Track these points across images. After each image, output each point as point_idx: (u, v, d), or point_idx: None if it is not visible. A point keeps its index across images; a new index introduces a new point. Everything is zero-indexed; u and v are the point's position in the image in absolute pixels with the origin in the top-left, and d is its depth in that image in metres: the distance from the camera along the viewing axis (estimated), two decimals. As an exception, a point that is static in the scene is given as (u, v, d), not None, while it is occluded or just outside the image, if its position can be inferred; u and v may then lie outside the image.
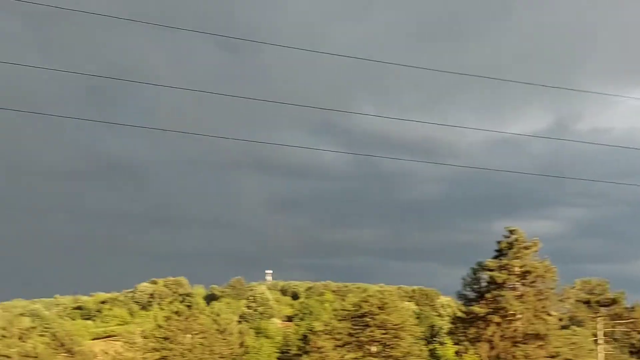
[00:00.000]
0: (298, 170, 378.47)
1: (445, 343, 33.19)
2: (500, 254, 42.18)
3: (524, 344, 39.53)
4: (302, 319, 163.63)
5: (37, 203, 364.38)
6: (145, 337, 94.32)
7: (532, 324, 39.63)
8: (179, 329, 73.13)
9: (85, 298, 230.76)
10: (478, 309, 41.26)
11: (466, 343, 40.47)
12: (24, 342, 62.71)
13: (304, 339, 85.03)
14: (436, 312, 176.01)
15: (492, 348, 39.63)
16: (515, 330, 40.30)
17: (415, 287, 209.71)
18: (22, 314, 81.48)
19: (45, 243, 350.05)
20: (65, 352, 65.74)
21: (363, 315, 70.26)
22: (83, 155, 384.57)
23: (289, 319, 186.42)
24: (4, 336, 64.36)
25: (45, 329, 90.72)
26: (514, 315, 40.19)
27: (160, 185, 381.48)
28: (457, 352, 34.08)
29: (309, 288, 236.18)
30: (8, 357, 61.13)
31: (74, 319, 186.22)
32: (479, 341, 39.68)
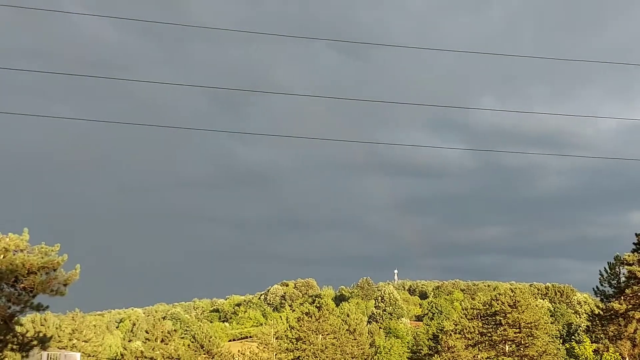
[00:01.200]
0: (421, 170, 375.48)
1: (584, 341, 31.80)
2: (639, 247, 39.97)
3: (670, 341, 37.30)
4: (431, 319, 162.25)
5: (174, 212, 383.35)
6: (278, 338, 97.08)
7: (678, 319, 37.35)
8: (311, 330, 74.61)
9: (221, 301, 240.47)
10: (617, 305, 39.32)
11: (606, 341, 38.69)
12: (166, 344, 66.06)
13: (435, 338, 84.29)
14: (572, 309, 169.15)
15: (634, 346, 37.66)
16: (659, 327, 38.12)
17: (548, 284, 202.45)
18: (164, 317, 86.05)
19: (183, 249, 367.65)
20: (205, 354, 68.75)
21: (494, 314, 68.86)
22: (216, 166, 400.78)
23: (419, 318, 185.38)
24: (148, 339, 68.06)
25: (185, 332, 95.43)
26: (657, 311, 37.98)
27: (289, 191, 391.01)
28: (595, 351, 32.68)
29: (437, 287, 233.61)
30: (152, 358, 64.61)
31: (211, 321, 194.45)
32: (619, 339, 37.82)
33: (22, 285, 32.95)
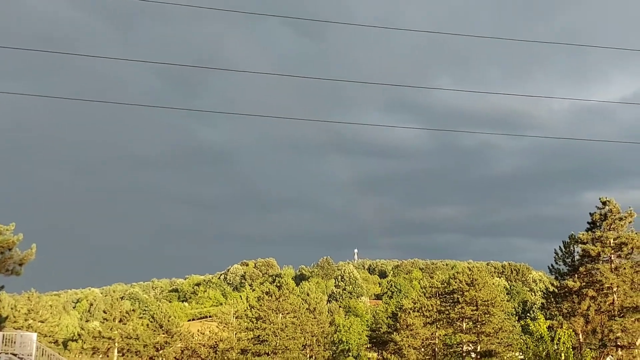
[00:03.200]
0: (379, 150, 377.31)
1: (538, 318, 32.59)
2: (593, 226, 40.88)
3: (621, 317, 38.28)
4: (390, 297, 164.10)
5: (130, 191, 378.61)
6: (238, 318, 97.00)
7: (630, 297, 38.31)
8: (271, 309, 74.73)
9: (180, 281, 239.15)
10: (572, 283, 40.21)
11: (560, 318, 39.56)
12: (124, 324, 65.51)
13: (394, 316, 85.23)
14: (528, 287, 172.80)
15: (587, 322, 38.62)
16: (611, 304, 39.07)
17: (505, 263, 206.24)
18: (122, 298, 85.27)
19: (141, 229, 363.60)
20: (164, 333, 68.32)
21: (452, 292, 69.89)
22: (173, 144, 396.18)
23: (378, 297, 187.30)
24: (105, 319, 67.41)
25: (144, 312, 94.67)
26: (609, 288, 38.92)
27: (247, 170, 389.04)
28: (550, 327, 33.49)
29: (397, 266, 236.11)
30: (111, 338, 64.01)
31: (170, 301, 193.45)
32: (573, 316, 38.72)
33: (-25, 264, 32.25)
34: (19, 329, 56.30)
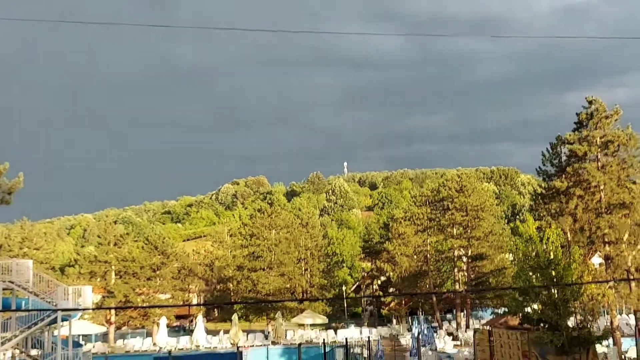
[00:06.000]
0: (361, 62, 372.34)
1: (527, 220, 33.05)
2: (579, 125, 40.77)
3: (609, 214, 38.81)
4: (382, 208, 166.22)
5: (112, 116, 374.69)
6: (232, 236, 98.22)
7: (617, 193, 38.71)
8: (264, 226, 75.47)
9: (172, 202, 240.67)
10: (559, 183, 40.47)
11: (548, 218, 40.06)
12: (119, 247, 66.12)
13: (385, 226, 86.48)
14: (517, 190, 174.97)
15: (575, 221, 39.11)
16: (598, 202, 39.52)
17: (494, 168, 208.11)
18: (115, 222, 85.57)
19: (128, 153, 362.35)
20: (159, 254, 69.11)
21: (442, 200, 70.62)
22: (148, 66, 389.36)
23: (369, 208, 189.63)
24: (100, 244, 67.95)
25: (138, 235, 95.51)
26: (596, 186, 39.27)
27: (228, 89, 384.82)
28: (538, 228, 34.01)
29: (387, 177, 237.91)
30: (107, 262, 64.73)
31: (164, 223, 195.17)
32: (561, 215, 39.17)
33: (-37, 195, 31.98)
34: (15, 257, 56.75)
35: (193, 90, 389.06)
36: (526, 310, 31.89)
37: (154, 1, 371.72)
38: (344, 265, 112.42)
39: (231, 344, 57.24)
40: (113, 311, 60.95)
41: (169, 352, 48.97)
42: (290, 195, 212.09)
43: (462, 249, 68.86)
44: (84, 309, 41.12)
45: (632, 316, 48.59)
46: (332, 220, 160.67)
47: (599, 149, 39.82)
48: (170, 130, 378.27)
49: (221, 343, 60.01)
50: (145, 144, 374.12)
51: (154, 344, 59.82)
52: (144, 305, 62.20)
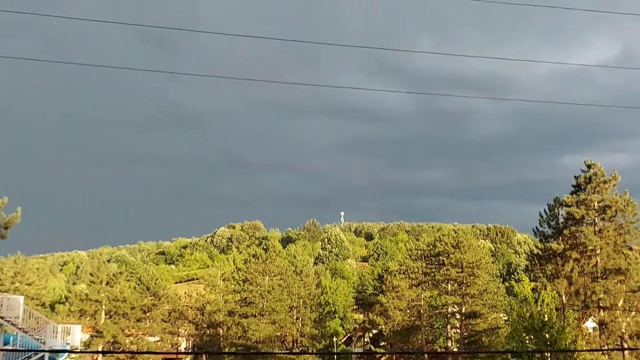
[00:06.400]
0: (361, 113, 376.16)
1: (522, 280, 32.93)
2: (577, 188, 41.13)
3: (604, 279, 38.78)
4: (377, 259, 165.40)
5: (112, 154, 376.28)
6: (225, 280, 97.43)
7: (613, 259, 38.76)
8: (258, 271, 75.02)
9: (167, 243, 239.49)
10: (556, 245, 40.58)
11: (544, 279, 40.02)
12: (112, 287, 65.61)
13: (380, 278, 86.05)
14: (513, 249, 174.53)
15: (570, 284, 39.09)
16: (594, 266, 39.52)
17: (490, 225, 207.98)
18: (109, 260, 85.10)
19: (126, 191, 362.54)
20: (151, 296, 68.54)
21: (438, 254, 70.40)
22: (151, 106, 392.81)
23: (364, 259, 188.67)
24: (92, 282, 67.44)
25: (131, 274, 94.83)
26: (593, 250, 39.35)
27: (228, 132, 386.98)
28: (534, 289, 33.90)
29: (383, 229, 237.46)
30: (98, 301, 64.14)
31: (157, 264, 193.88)
32: (557, 277, 39.17)
33: (-41, 228, 31.94)
34: (6, 292, 56.28)
35: (192, 132, 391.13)
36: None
37: (157, 43, 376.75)
38: (336, 315, 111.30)
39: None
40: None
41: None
42: (286, 241, 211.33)
43: (455, 306, 68.34)
44: (70, 351, 40.62)
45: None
46: (326, 269, 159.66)
47: (597, 213, 40.06)
48: (168, 171, 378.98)
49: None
50: (143, 183, 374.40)
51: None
52: (132, 349, 61.34)
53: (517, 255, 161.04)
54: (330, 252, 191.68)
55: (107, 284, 65.48)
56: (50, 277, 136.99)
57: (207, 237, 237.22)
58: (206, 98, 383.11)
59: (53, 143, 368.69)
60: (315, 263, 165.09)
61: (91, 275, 71.55)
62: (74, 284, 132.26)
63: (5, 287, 67.22)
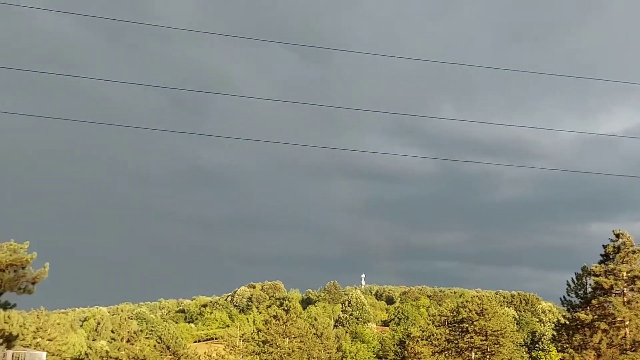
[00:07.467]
0: (382, 174, 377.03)
1: (550, 350, 32.14)
2: (606, 258, 40.66)
3: (633, 351, 37.94)
4: (398, 324, 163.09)
5: (136, 211, 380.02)
6: (245, 341, 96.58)
7: (642, 331, 38.03)
8: (278, 333, 74.39)
9: (187, 301, 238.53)
10: (584, 315, 39.91)
11: (571, 351, 39.24)
12: (132, 344, 65.36)
13: (401, 344, 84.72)
14: (537, 317, 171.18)
15: (598, 356, 38.27)
16: (623, 338, 38.74)
17: (514, 292, 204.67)
18: (129, 317, 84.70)
19: (148, 248, 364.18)
20: (171, 355, 68.13)
21: (461, 321, 69.39)
22: (177, 166, 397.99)
23: (385, 323, 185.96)
24: (113, 339, 67.32)
25: (151, 332, 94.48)
26: (622, 321, 38.62)
27: (251, 192, 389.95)
28: (561, 360, 33.22)
29: (404, 292, 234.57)
30: (118, 358, 63.85)
31: (177, 322, 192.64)
32: (584, 349, 38.38)
33: (-11, 282, 32.36)
34: (27, 347, 56.33)
35: (213, 190, 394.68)
36: None
37: (184, 103, 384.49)
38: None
39: None
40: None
41: None
42: (306, 302, 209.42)
43: (480, 375, 67.00)
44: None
45: None
46: (346, 332, 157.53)
47: (626, 284, 39.51)
48: (188, 228, 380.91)
49: None
50: (164, 240, 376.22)
51: None
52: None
53: (542, 324, 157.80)
54: (351, 315, 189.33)
55: (128, 341, 65.30)
56: (71, 332, 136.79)
57: (227, 296, 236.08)
58: (228, 158, 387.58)
59: (77, 199, 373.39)
60: (335, 326, 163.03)
61: (112, 332, 71.49)
62: (94, 340, 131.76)
63: (27, 342, 67.22)
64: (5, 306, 32.97)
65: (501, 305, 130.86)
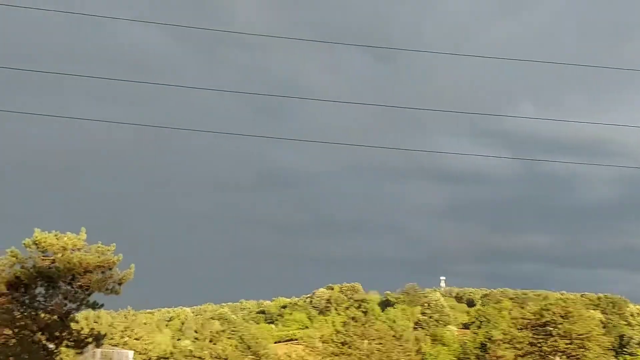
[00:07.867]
0: (461, 176, 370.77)
1: (638, 354, 31.04)
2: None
3: None
4: (479, 327, 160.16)
5: (217, 214, 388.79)
6: (324, 342, 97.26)
7: None
8: (357, 335, 74.59)
9: (267, 302, 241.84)
10: (674, 319, 38.28)
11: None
12: (214, 344, 66.95)
13: (483, 347, 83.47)
14: (625, 321, 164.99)
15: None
16: None
17: (600, 295, 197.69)
18: (212, 318, 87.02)
19: (229, 251, 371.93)
20: (251, 355, 69.41)
21: (545, 324, 67.78)
22: (254, 169, 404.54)
23: (466, 326, 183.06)
24: (197, 339, 69.20)
25: (232, 332, 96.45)
26: None
27: (329, 195, 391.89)
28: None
29: (485, 295, 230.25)
30: (201, 358, 65.51)
31: (258, 323, 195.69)
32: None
33: (79, 283, 33.86)
34: (115, 346, 58.54)
35: (292, 194, 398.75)
36: None
37: (262, 109, 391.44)
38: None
39: None
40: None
41: None
42: (385, 304, 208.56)
43: (565, 380, 65.26)
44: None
45: None
46: (426, 335, 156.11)
47: None
48: (269, 231, 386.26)
49: None
50: (245, 242, 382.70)
51: None
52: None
53: (631, 328, 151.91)
54: (431, 317, 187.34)
55: (211, 341, 66.97)
56: (157, 332, 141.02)
57: (306, 298, 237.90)
58: (306, 161, 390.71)
59: (159, 202, 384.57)
60: (414, 328, 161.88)
61: (195, 332, 73.43)
62: (179, 339, 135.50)
63: (115, 341, 69.80)
64: (94, 306, 34.46)
65: (587, 308, 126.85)
